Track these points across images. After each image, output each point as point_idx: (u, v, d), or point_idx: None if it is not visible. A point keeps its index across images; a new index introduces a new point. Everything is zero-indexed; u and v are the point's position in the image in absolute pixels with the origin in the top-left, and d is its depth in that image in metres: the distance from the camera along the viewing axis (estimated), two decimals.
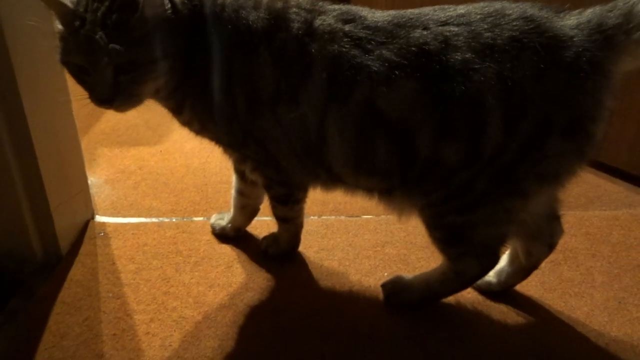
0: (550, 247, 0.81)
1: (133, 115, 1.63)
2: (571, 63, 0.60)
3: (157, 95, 0.75)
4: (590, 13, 0.62)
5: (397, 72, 0.64)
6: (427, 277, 0.82)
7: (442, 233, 0.74)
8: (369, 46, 0.65)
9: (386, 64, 0.64)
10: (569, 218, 1.07)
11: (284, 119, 0.72)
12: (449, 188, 0.68)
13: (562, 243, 0.98)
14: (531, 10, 0.63)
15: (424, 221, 0.74)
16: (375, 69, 0.65)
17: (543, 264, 0.85)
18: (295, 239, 0.94)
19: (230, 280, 0.88)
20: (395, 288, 0.83)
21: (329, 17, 0.69)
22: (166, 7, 0.67)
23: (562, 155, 0.64)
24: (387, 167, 0.71)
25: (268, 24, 0.70)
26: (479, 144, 0.64)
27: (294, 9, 0.71)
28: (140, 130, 1.55)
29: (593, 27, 0.61)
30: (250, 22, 0.70)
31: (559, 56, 0.60)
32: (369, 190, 0.76)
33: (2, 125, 0.80)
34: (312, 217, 1.07)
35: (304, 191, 0.86)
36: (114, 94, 0.66)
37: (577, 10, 0.64)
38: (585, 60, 0.60)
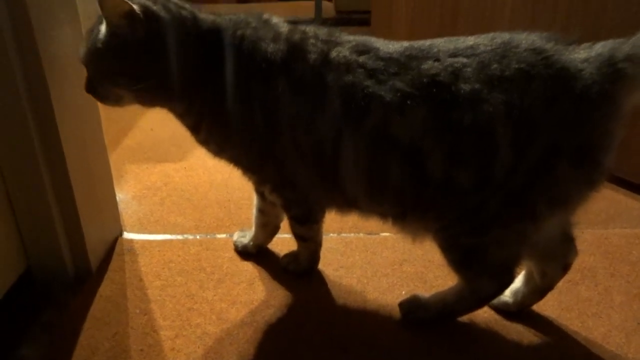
0: (565, 268, 0.81)
1: (159, 132, 1.68)
2: (580, 94, 0.61)
3: (170, 111, 0.83)
4: (600, 47, 0.64)
5: (409, 102, 0.66)
6: (443, 296, 0.83)
7: (456, 255, 0.76)
8: (383, 77, 0.68)
9: (399, 94, 0.67)
10: (588, 236, 1.07)
11: (301, 144, 0.76)
12: (461, 211, 0.70)
13: (580, 262, 0.99)
14: (540, 42, 0.65)
15: (438, 244, 0.76)
16: (389, 98, 0.67)
17: (560, 283, 0.86)
18: (315, 257, 0.97)
19: (251, 297, 0.91)
20: (412, 307, 0.85)
21: (344, 49, 0.72)
22: (135, 29, 0.71)
23: (571, 181, 0.66)
24: (400, 191, 0.73)
25: (287, 56, 0.73)
26: (490, 169, 0.66)
27: (312, 40, 0.74)
28: (165, 146, 1.59)
29: (603, 60, 0.62)
30: (270, 54, 0.74)
31: (568, 87, 0.62)
32: (382, 215, 0.79)
33: (38, 144, 0.84)
34: (331, 234, 1.10)
35: (321, 212, 0.88)
36: (91, 90, 0.78)
37: (587, 44, 0.65)
38: (595, 92, 0.61)
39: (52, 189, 0.89)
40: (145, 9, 0.71)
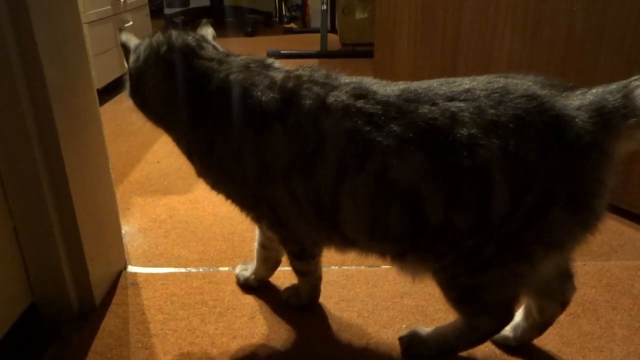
0: (563, 305, 0.82)
1: (165, 164, 1.71)
2: (573, 142, 0.63)
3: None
4: (592, 95, 0.65)
5: (407, 146, 0.68)
6: (443, 332, 0.84)
7: (455, 293, 0.76)
8: (380, 121, 0.69)
9: (397, 139, 0.68)
10: (589, 268, 1.07)
11: (297, 190, 0.77)
12: (459, 254, 0.71)
13: (582, 294, 0.99)
14: (534, 87, 0.66)
15: (437, 282, 0.77)
16: (387, 143, 0.68)
17: (562, 316, 0.85)
18: (315, 290, 0.97)
19: (252, 331, 0.92)
20: (412, 342, 0.85)
21: (341, 93, 0.73)
22: (138, 60, 0.85)
23: (566, 227, 0.67)
24: (399, 233, 0.74)
25: (282, 104, 0.75)
26: (486, 213, 0.67)
27: (307, 85, 0.75)
28: (171, 178, 1.62)
29: (594, 110, 0.63)
30: (264, 102, 0.75)
31: (561, 135, 0.63)
32: (381, 254, 0.80)
33: (44, 179, 0.86)
34: (332, 267, 1.10)
35: (318, 248, 0.90)
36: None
37: (580, 91, 0.66)
38: (586, 141, 0.62)
39: (58, 224, 0.91)
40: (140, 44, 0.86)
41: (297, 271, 0.94)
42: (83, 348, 0.87)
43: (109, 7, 2.26)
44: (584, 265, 1.08)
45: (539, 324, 0.83)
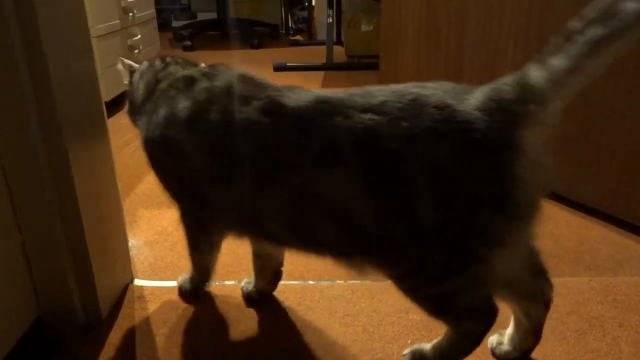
0: (546, 304, 0.82)
1: None
2: (480, 144, 0.63)
3: None
4: (479, 92, 0.66)
5: (324, 160, 0.69)
6: (439, 345, 0.83)
7: (428, 305, 0.77)
8: (293, 136, 0.71)
9: (312, 153, 0.70)
10: (595, 284, 1.07)
11: (215, 200, 0.84)
12: (410, 262, 0.71)
13: (588, 310, 0.98)
14: (443, 96, 0.66)
15: (405, 294, 0.77)
16: (301, 158, 0.71)
17: (568, 333, 0.85)
18: (204, 274, 1.05)
19: (256, 345, 0.92)
20: (415, 357, 0.85)
21: (251, 109, 0.75)
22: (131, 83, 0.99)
23: (498, 224, 0.67)
24: (333, 243, 0.76)
25: (194, 115, 0.80)
26: (417, 224, 0.67)
27: (219, 98, 0.80)
28: None
29: (491, 105, 0.64)
30: (177, 111, 0.82)
31: (471, 139, 0.63)
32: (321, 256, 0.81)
33: (52, 192, 0.87)
34: (338, 281, 1.10)
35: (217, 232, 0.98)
36: None
37: (479, 90, 0.67)
38: (492, 139, 0.63)
39: (65, 238, 0.91)
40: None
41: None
42: None
43: (118, 21, 2.29)
44: (590, 281, 1.08)
45: (530, 329, 0.83)
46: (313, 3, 4.43)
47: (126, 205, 1.49)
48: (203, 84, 0.83)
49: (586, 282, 1.07)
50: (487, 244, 0.68)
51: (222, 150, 0.78)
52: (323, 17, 3.88)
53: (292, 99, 0.74)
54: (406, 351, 0.87)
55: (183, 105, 0.81)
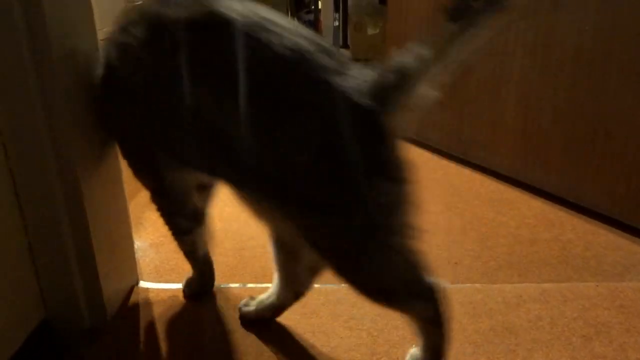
0: (297, 295, 0.95)
1: None
2: (357, 124, 0.66)
3: None
4: (367, 73, 0.68)
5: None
6: (423, 343, 0.83)
7: (371, 293, 0.80)
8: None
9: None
10: (602, 290, 1.06)
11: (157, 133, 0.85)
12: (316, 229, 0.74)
13: (595, 316, 0.98)
14: (323, 74, 0.67)
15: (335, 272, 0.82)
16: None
17: (574, 338, 0.85)
18: (204, 277, 1.08)
19: (261, 348, 0.92)
20: None
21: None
22: None
23: (389, 193, 0.69)
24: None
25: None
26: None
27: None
28: None
29: (369, 88, 0.66)
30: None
31: (348, 119, 0.65)
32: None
33: (58, 194, 0.88)
34: (343, 284, 1.10)
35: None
36: None
37: (355, 68, 0.69)
38: (367, 121, 0.65)
39: (71, 241, 0.92)
40: None
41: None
42: None
43: None
44: (597, 286, 1.07)
45: (274, 305, 0.96)
46: (319, 6, 4.43)
47: (132, 207, 1.49)
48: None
49: (593, 288, 1.07)
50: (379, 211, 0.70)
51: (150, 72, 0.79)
52: (329, 21, 3.89)
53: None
54: (407, 357, 0.87)
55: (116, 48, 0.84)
